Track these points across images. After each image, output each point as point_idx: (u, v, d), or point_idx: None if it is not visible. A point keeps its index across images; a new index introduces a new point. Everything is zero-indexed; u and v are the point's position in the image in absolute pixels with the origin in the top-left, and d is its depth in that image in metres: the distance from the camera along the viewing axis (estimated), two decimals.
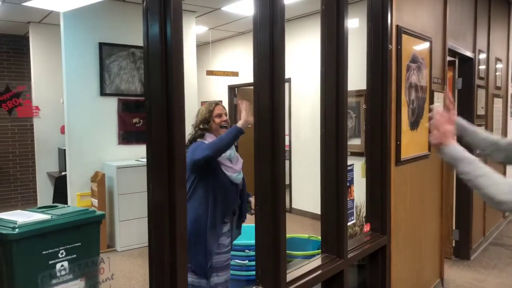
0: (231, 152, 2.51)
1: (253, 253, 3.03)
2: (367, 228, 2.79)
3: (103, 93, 5.23)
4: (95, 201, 4.98)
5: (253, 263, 3.05)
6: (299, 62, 6.11)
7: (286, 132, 6.39)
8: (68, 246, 1.94)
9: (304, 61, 6.04)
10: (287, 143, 6.53)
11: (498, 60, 5.50)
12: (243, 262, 3.04)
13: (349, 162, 2.35)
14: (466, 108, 4.51)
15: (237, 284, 3.04)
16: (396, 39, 2.79)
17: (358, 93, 5.13)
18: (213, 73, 6.93)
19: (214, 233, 2.46)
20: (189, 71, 5.77)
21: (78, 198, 5.09)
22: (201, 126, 2.53)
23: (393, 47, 2.75)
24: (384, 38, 2.69)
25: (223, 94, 8.01)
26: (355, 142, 5.28)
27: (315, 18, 5.91)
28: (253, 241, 2.96)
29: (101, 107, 5.23)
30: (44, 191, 6.59)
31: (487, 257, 4.63)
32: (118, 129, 5.35)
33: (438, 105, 1.72)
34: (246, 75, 7.22)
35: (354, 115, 5.51)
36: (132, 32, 5.19)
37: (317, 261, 2.26)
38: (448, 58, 3.84)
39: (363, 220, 3.04)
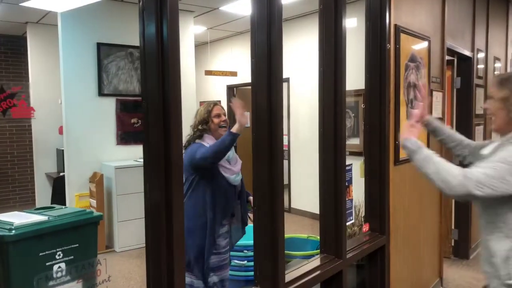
0: (230, 153, 2.50)
1: (251, 253, 3.03)
2: (366, 228, 2.78)
3: (101, 93, 5.21)
4: (94, 202, 4.97)
5: (252, 263, 3.05)
6: (297, 62, 6.10)
7: (285, 131, 6.39)
8: (65, 248, 1.93)
9: (302, 61, 6.03)
10: (286, 142, 6.53)
11: (496, 59, 5.50)
12: (242, 262, 3.03)
13: (347, 162, 2.34)
14: (464, 107, 4.51)
15: (236, 284, 3.03)
16: (394, 38, 2.78)
17: (357, 93, 5.13)
18: (212, 73, 6.92)
19: (212, 234, 2.45)
20: (187, 71, 5.76)
21: (77, 199, 5.08)
22: (199, 127, 2.52)
23: (391, 46, 2.75)
24: (383, 38, 2.68)
25: (222, 94, 8.00)
26: (354, 142, 5.28)
27: (313, 17, 5.90)
28: (251, 242, 2.96)
29: (99, 108, 5.21)
30: (43, 192, 6.57)
31: None
32: (116, 129, 5.34)
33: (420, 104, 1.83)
34: (245, 75, 7.20)
35: (353, 114, 5.51)
36: (130, 32, 5.18)
37: (316, 262, 2.26)
38: (447, 57, 3.84)
39: (362, 220, 3.03)
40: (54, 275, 1.74)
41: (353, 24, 4.14)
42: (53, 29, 5.50)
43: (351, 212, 2.58)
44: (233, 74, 7.15)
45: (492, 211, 1.60)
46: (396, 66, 2.80)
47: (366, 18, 2.72)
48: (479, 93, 4.79)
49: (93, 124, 5.17)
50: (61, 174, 5.82)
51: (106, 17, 5.25)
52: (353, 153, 3.81)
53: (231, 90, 7.92)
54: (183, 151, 2.38)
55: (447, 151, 2.11)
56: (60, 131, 5.86)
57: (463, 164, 1.85)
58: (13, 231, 1.84)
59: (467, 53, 4.40)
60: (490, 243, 1.62)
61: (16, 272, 1.79)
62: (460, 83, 4.51)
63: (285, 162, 6.47)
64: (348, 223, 2.45)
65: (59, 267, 1.90)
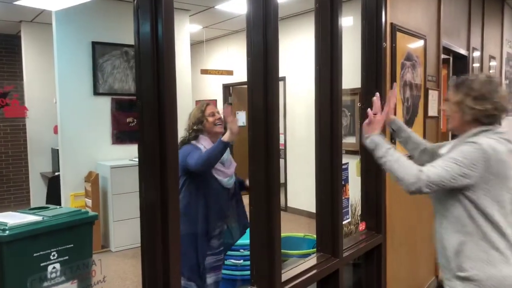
0: (225, 155, 2.48)
1: (248, 252, 3.02)
2: (362, 226, 2.78)
3: (96, 92, 5.19)
4: (89, 201, 4.95)
5: (248, 262, 3.04)
6: (293, 61, 6.09)
7: (281, 130, 6.38)
8: (60, 248, 1.91)
9: (298, 60, 6.02)
10: (282, 141, 6.53)
11: (492, 57, 5.52)
12: (238, 261, 3.02)
13: (344, 161, 2.34)
14: None
15: (232, 284, 3.02)
16: (390, 37, 2.78)
17: (353, 92, 5.13)
18: (208, 72, 6.90)
19: (204, 236, 2.43)
20: (183, 70, 5.74)
21: (72, 199, 5.05)
22: (195, 128, 2.49)
23: (387, 45, 2.74)
24: (379, 36, 2.68)
25: (218, 92, 7.99)
26: (350, 141, 5.28)
27: (309, 16, 5.90)
28: (248, 241, 2.94)
29: (94, 107, 5.19)
30: (37, 192, 6.53)
31: None
32: (111, 128, 5.31)
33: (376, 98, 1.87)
34: (241, 74, 7.19)
35: (349, 113, 5.51)
36: (125, 31, 5.13)
37: (312, 261, 2.25)
38: (443, 56, 3.84)
39: (358, 218, 3.03)
40: (49, 276, 1.73)
41: (349, 23, 4.14)
42: (47, 28, 5.46)
43: (348, 211, 2.58)
44: (229, 73, 7.13)
45: (445, 208, 1.68)
46: (392, 65, 2.80)
47: (362, 17, 2.72)
48: None
49: (88, 123, 5.14)
50: (56, 173, 5.79)
51: (101, 16, 5.22)
52: (349, 152, 3.81)
53: (227, 89, 7.91)
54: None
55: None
56: (55, 131, 5.82)
57: None
58: (7, 232, 1.83)
59: (463, 51, 4.41)
60: (442, 237, 1.72)
61: (10, 272, 1.77)
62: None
63: (281, 161, 6.47)
64: (344, 222, 2.45)
65: (54, 267, 1.88)
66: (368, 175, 2.74)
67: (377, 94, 1.86)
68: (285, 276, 1.94)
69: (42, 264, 1.83)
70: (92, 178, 4.92)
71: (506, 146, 1.64)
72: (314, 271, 2.14)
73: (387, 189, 2.76)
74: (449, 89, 1.77)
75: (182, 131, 2.41)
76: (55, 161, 6.14)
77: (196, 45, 7.73)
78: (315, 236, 3.40)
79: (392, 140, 2.33)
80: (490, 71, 5.49)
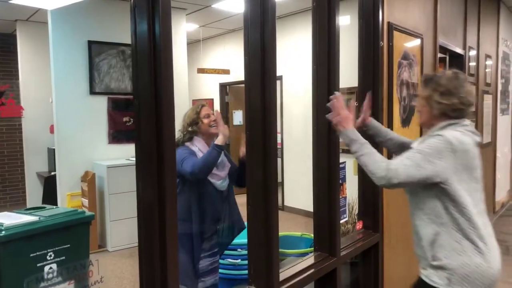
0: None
1: (245, 252, 3.01)
2: (359, 225, 2.78)
3: (92, 91, 5.17)
4: (86, 201, 4.93)
5: (246, 262, 3.04)
6: (290, 60, 6.09)
7: (278, 130, 6.38)
8: (56, 248, 1.90)
9: (295, 59, 6.02)
10: (279, 141, 6.52)
11: (488, 56, 5.54)
12: (235, 261, 3.02)
13: (341, 160, 2.34)
14: None
15: (229, 283, 3.02)
16: (387, 36, 2.78)
17: (349, 91, 5.13)
18: (204, 71, 6.89)
19: (198, 239, 2.42)
20: (179, 69, 5.73)
21: (68, 198, 5.03)
22: (189, 129, 2.47)
23: (384, 44, 2.74)
24: (376, 35, 2.68)
25: (215, 92, 7.98)
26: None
27: (305, 15, 5.89)
28: (245, 240, 2.93)
29: (90, 106, 5.17)
30: (34, 192, 6.51)
31: None
32: (108, 128, 5.30)
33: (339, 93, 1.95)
34: (238, 73, 7.19)
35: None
36: (121, 30, 5.13)
37: (309, 260, 2.25)
38: (439, 55, 3.85)
39: (355, 217, 3.04)
40: (45, 276, 1.72)
41: (346, 22, 4.14)
42: (43, 27, 5.44)
43: (345, 210, 2.58)
44: (226, 72, 7.13)
45: (419, 199, 1.74)
46: (389, 64, 2.80)
47: (359, 16, 2.72)
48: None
49: (85, 122, 5.12)
50: (53, 173, 5.76)
51: (97, 15, 5.20)
52: (346, 151, 3.81)
53: (224, 88, 7.90)
54: None
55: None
56: (51, 130, 5.80)
57: None
58: (3, 232, 1.81)
59: (459, 50, 4.42)
60: (418, 228, 1.77)
61: (6, 273, 1.76)
62: None
63: (278, 160, 6.46)
64: (341, 221, 2.45)
65: (50, 268, 1.87)
66: (365, 174, 2.72)
67: (336, 93, 1.91)
68: (282, 275, 1.93)
69: (38, 265, 1.82)
70: (88, 178, 4.90)
71: (471, 138, 1.71)
72: (312, 270, 2.14)
73: (384, 189, 2.77)
74: (420, 84, 1.86)
75: (177, 132, 2.40)
76: (51, 161, 6.11)
77: (193, 44, 7.72)
78: (312, 235, 3.40)
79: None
80: (486, 70, 5.51)
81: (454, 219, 1.66)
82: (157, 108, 1.36)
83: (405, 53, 3.03)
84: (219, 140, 2.32)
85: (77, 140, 5.07)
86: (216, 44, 7.90)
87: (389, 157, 2.06)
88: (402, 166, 1.61)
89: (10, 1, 5.00)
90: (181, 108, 2.66)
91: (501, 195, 6.38)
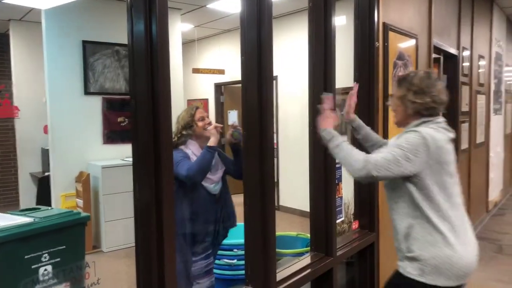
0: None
1: (241, 252, 3.01)
2: (355, 225, 2.79)
3: (87, 92, 5.13)
4: (80, 202, 4.90)
5: (242, 262, 3.03)
6: (286, 60, 6.09)
7: (274, 130, 6.37)
8: (51, 250, 1.88)
9: (291, 59, 6.02)
10: (274, 141, 6.52)
11: (481, 57, 5.57)
12: (231, 261, 3.01)
13: (337, 160, 2.34)
14: (451, 104, 4.54)
15: (225, 283, 3.01)
16: (383, 36, 2.79)
17: (344, 91, 5.14)
18: (199, 71, 6.87)
19: (190, 242, 2.40)
20: (174, 69, 5.70)
21: (63, 199, 5.00)
22: (184, 132, 2.44)
23: (380, 44, 2.75)
24: (371, 35, 2.69)
25: (210, 92, 7.96)
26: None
27: (300, 15, 5.90)
28: (241, 240, 2.92)
29: (85, 106, 5.14)
30: (27, 192, 6.46)
31: None
32: (103, 128, 5.27)
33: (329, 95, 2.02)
34: (232, 73, 7.18)
35: (341, 112, 5.51)
36: (116, 30, 5.10)
37: (306, 260, 2.26)
38: (433, 55, 3.87)
39: (351, 217, 3.04)
40: (41, 278, 1.70)
41: (342, 22, 4.15)
42: (37, 26, 5.39)
43: (341, 209, 2.58)
44: (221, 72, 7.12)
45: (395, 194, 1.81)
46: (384, 64, 2.81)
47: (354, 16, 2.73)
48: (464, 90, 4.85)
49: (79, 123, 5.09)
50: (46, 174, 5.72)
51: (92, 14, 5.17)
52: None
53: (219, 88, 7.89)
54: None
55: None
56: (45, 130, 5.76)
57: None
58: None
59: (453, 51, 4.45)
60: (395, 222, 1.85)
61: (1, 275, 1.74)
62: (446, 81, 4.55)
63: (274, 160, 6.45)
64: (338, 221, 2.46)
65: (46, 269, 1.86)
66: None
67: (330, 94, 1.97)
68: (279, 276, 1.94)
69: (33, 267, 1.80)
70: (83, 178, 4.87)
71: (445, 134, 1.77)
72: (308, 270, 2.14)
73: (379, 188, 2.78)
74: (394, 84, 1.91)
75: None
76: (45, 161, 6.07)
77: (188, 44, 7.69)
78: (308, 235, 3.40)
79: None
80: (479, 70, 5.54)
81: (427, 213, 1.72)
82: (154, 108, 1.35)
83: (400, 53, 3.05)
84: (211, 142, 2.31)
85: (71, 141, 5.04)
86: (211, 44, 7.89)
87: None
88: (382, 160, 1.67)
89: (3, 1, 4.96)
90: (176, 108, 2.62)
91: (494, 195, 6.42)
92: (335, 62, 2.28)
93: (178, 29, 5.92)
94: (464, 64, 4.84)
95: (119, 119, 5.37)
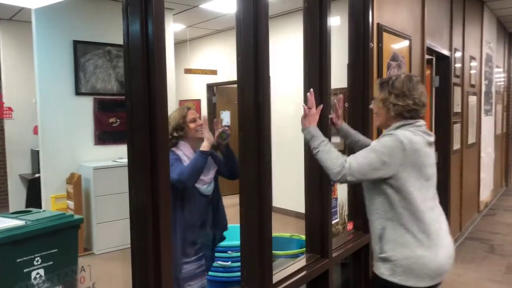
0: None
1: (236, 254, 2.99)
2: (350, 226, 2.79)
3: (78, 92, 5.08)
4: (71, 204, 4.84)
5: (236, 264, 3.01)
6: (278, 61, 6.09)
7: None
8: (44, 253, 1.84)
9: (283, 60, 6.02)
10: None
11: (472, 58, 5.62)
12: (226, 263, 2.99)
13: None
14: (443, 105, 4.58)
15: (220, 286, 2.99)
16: (377, 37, 2.79)
17: (335, 92, 5.14)
18: (192, 71, 6.84)
19: (181, 245, 2.37)
20: (167, 69, 5.66)
21: (53, 201, 4.94)
22: (175, 134, 2.40)
23: (374, 45, 2.75)
24: (366, 36, 2.69)
25: (202, 92, 7.93)
26: (335, 140, 5.28)
27: (294, 16, 5.90)
28: (236, 242, 2.89)
29: (76, 107, 5.08)
30: (16, 194, 6.36)
31: (464, 252, 4.73)
32: (94, 129, 5.21)
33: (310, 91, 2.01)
34: (225, 74, 7.16)
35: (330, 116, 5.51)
36: (108, 29, 5.05)
37: (302, 262, 2.25)
38: (426, 56, 3.89)
39: (346, 218, 3.04)
40: (34, 282, 1.67)
41: (336, 23, 4.15)
42: (27, 26, 5.32)
43: (336, 210, 2.58)
44: (213, 72, 7.09)
45: (371, 195, 1.84)
46: (378, 65, 2.82)
47: (349, 17, 2.72)
48: (456, 91, 4.88)
49: (70, 124, 5.03)
50: (36, 175, 5.65)
51: (83, 14, 5.11)
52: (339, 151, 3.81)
53: (211, 89, 7.86)
54: None
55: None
56: (35, 131, 5.69)
57: None
58: None
59: (446, 52, 4.47)
60: (371, 223, 1.88)
61: None
62: (439, 82, 4.58)
63: None
64: (333, 222, 2.45)
65: (38, 273, 1.82)
66: None
67: (311, 90, 1.96)
68: (276, 278, 1.92)
69: (25, 270, 1.76)
70: (74, 180, 4.81)
71: (423, 138, 1.80)
72: (304, 272, 2.13)
73: None
74: (377, 88, 1.94)
75: None
76: (35, 163, 5.99)
77: (180, 44, 7.66)
78: (301, 236, 3.39)
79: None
80: (471, 72, 5.59)
81: (400, 214, 1.75)
82: (151, 108, 1.33)
83: (394, 54, 3.05)
84: (204, 146, 2.27)
85: (62, 142, 4.98)
86: (203, 45, 7.86)
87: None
88: (357, 164, 1.69)
89: None
90: (169, 109, 2.60)
91: (485, 195, 6.48)
92: (331, 63, 2.27)
93: (170, 29, 5.88)
94: (456, 65, 4.87)
95: (111, 120, 5.32)
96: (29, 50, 5.13)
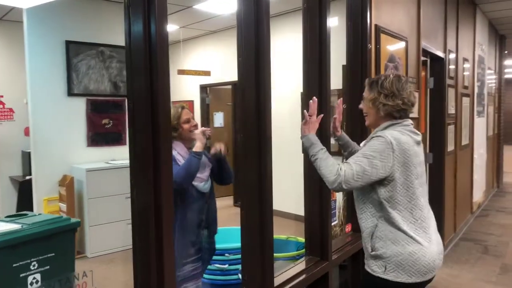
0: None
1: (233, 256, 2.96)
2: (348, 228, 2.78)
3: (70, 93, 5.00)
4: (63, 206, 4.77)
5: (234, 267, 2.98)
6: (278, 61, 6.06)
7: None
8: (40, 258, 1.80)
9: (280, 60, 6.00)
10: None
11: (465, 60, 5.66)
12: (223, 266, 2.96)
13: None
14: (438, 107, 4.60)
15: None
16: (375, 38, 2.79)
17: (333, 93, 5.14)
18: (185, 72, 6.80)
19: (181, 244, 2.34)
20: None
21: (45, 203, 4.86)
22: None
23: (372, 46, 2.75)
24: (364, 37, 2.69)
25: (195, 93, 7.89)
26: (333, 142, 5.28)
27: (292, 16, 5.88)
28: (233, 245, 2.87)
29: (68, 108, 5.00)
30: (7, 196, 6.26)
31: (459, 253, 4.75)
32: (87, 130, 5.14)
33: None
34: (218, 75, 7.12)
35: (333, 115, 5.51)
36: (100, 30, 4.99)
37: (301, 264, 2.23)
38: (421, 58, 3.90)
39: (342, 220, 3.03)
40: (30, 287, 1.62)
41: (334, 23, 4.14)
42: (18, 26, 5.24)
43: (335, 212, 2.57)
44: (207, 73, 7.05)
45: (362, 194, 1.86)
46: (376, 66, 2.82)
47: (347, 18, 2.72)
48: (450, 93, 4.91)
49: (62, 125, 4.96)
50: (28, 177, 5.56)
51: (75, 14, 5.05)
52: (333, 154, 3.80)
53: (204, 90, 7.82)
54: None
55: None
56: (26, 133, 5.60)
57: None
58: None
59: (440, 53, 4.49)
60: (361, 222, 1.90)
61: None
62: (433, 83, 4.60)
63: None
64: (332, 224, 2.44)
65: (34, 278, 1.78)
66: None
67: (314, 98, 1.97)
68: (277, 281, 1.90)
69: (21, 275, 1.72)
70: (66, 182, 4.75)
71: (411, 137, 1.82)
72: (304, 275, 2.11)
73: None
74: (365, 88, 1.95)
75: None
76: (26, 165, 5.90)
77: (173, 45, 7.61)
78: (298, 238, 3.38)
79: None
80: (464, 73, 5.63)
81: (390, 213, 1.77)
82: (153, 108, 1.30)
83: (391, 55, 3.05)
84: (197, 147, 2.27)
85: (54, 143, 4.90)
86: (197, 45, 7.82)
87: None
88: (349, 170, 1.71)
89: None
90: None
91: (477, 196, 6.52)
92: (330, 63, 2.26)
93: None
94: (450, 66, 4.90)
95: (104, 121, 5.25)
96: (21, 51, 5.05)
